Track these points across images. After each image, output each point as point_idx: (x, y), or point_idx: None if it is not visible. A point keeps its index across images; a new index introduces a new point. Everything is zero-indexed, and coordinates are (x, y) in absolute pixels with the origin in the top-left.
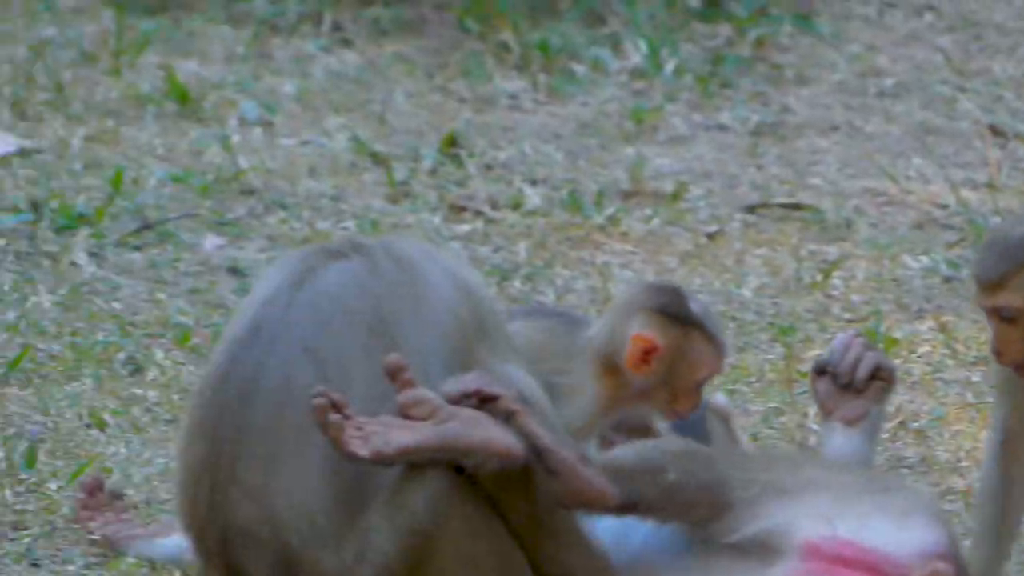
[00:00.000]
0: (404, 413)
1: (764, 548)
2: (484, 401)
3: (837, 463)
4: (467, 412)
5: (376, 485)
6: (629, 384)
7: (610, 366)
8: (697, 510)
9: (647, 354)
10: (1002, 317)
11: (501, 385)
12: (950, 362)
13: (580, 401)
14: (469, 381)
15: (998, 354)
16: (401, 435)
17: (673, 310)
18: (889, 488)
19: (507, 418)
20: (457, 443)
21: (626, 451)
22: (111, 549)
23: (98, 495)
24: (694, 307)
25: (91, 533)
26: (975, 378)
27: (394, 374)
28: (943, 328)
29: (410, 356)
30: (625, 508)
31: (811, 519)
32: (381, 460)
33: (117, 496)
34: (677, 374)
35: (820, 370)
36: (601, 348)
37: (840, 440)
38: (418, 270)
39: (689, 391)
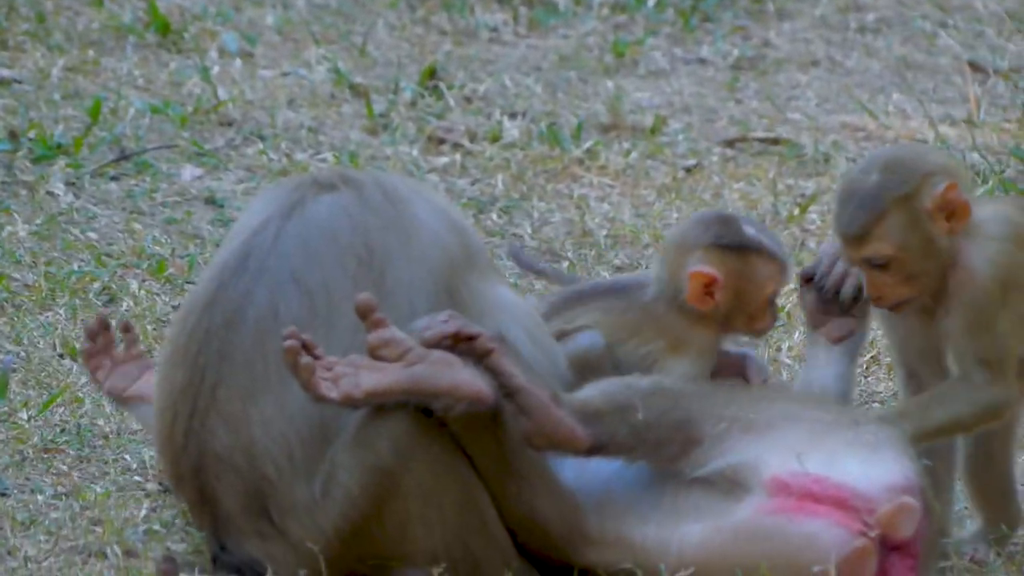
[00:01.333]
0: (373, 354)
1: (731, 482)
2: (461, 341)
3: (808, 396)
4: (437, 354)
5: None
6: (709, 319)
7: (683, 310)
8: (667, 448)
9: (708, 287)
10: (873, 265)
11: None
12: None
13: (682, 357)
14: (445, 322)
15: (876, 299)
16: (370, 377)
17: (725, 240)
18: (858, 423)
19: (483, 356)
20: (426, 385)
21: (595, 391)
22: (118, 406)
23: (105, 336)
24: (747, 230)
25: (99, 384)
26: None
27: (364, 313)
28: None
29: (398, 289)
30: (595, 449)
31: (779, 455)
32: (350, 403)
33: (127, 328)
34: (745, 297)
35: (807, 278)
36: (667, 298)
37: (823, 357)
38: (407, 205)
39: (763, 308)
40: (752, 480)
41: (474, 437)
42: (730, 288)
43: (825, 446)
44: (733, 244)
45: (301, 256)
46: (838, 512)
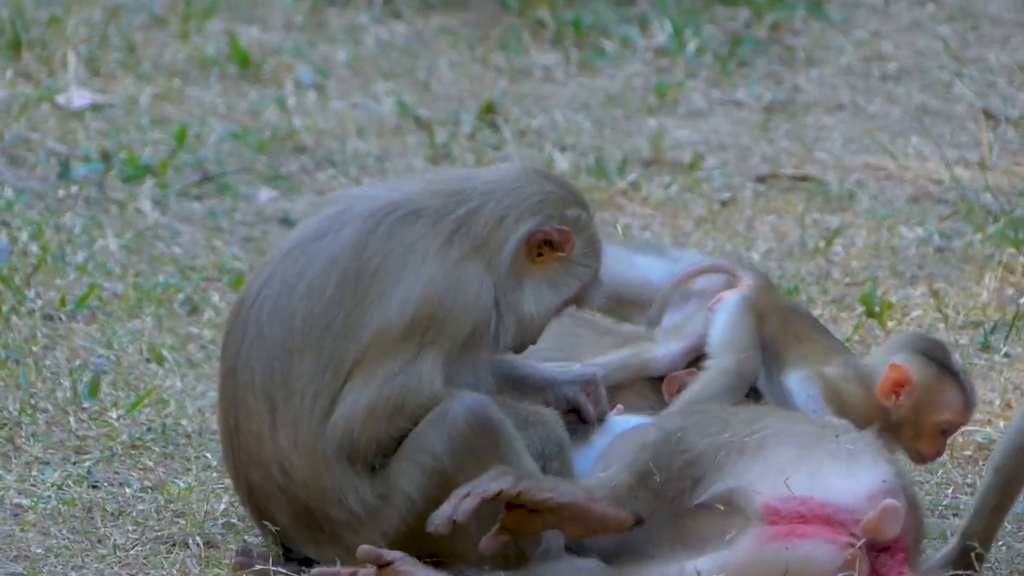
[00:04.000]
0: None
1: (728, 508)
2: (489, 501)
3: (792, 413)
4: None
5: (367, 438)
6: (884, 412)
7: (867, 389)
8: (680, 493)
9: (899, 384)
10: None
11: (494, 478)
12: (940, 325)
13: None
14: (463, 503)
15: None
16: None
17: (934, 354)
18: (837, 433)
19: (516, 498)
20: None
21: (617, 470)
22: None
23: None
24: (955, 361)
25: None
26: (963, 340)
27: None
28: (935, 294)
29: (370, 320)
30: (637, 523)
31: (769, 479)
32: None
33: None
34: (922, 411)
35: None
36: (864, 372)
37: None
38: (399, 271)
39: (933, 433)
40: (747, 507)
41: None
42: (916, 397)
43: (809, 464)
44: (939, 361)
45: (279, 308)
46: (826, 529)
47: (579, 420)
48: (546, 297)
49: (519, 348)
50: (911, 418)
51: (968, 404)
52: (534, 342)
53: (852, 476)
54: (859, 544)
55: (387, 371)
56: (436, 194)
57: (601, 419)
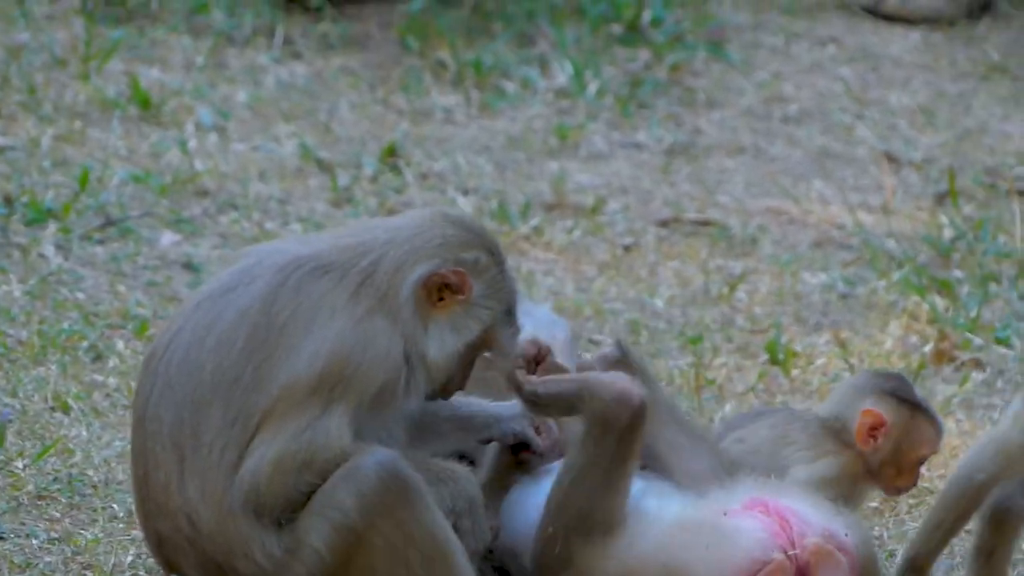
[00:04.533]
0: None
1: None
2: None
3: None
4: None
5: (274, 492)
6: (861, 460)
7: (841, 443)
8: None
9: (874, 429)
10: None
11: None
12: (846, 374)
13: (817, 464)
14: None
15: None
16: None
17: (901, 393)
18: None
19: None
20: None
21: None
22: None
23: None
24: (918, 393)
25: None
26: None
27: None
28: (841, 343)
29: (279, 374)
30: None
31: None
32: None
33: None
34: (901, 450)
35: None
36: (833, 426)
37: None
38: (308, 326)
39: (912, 468)
40: (739, 495)
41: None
42: (892, 438)
43: (792, 492)
44: (908, 399)
45: (188, 360)
46: (773, 524)
47: (530, 453)
48: (448, 342)
49: (434, 396)
50: (890, 458)
51: (940, 433)
52: (448, 390)
53: (823, 512)
54: (790, 553)
55: (295, 426)
56: (343, 248)
57: (552, 448)
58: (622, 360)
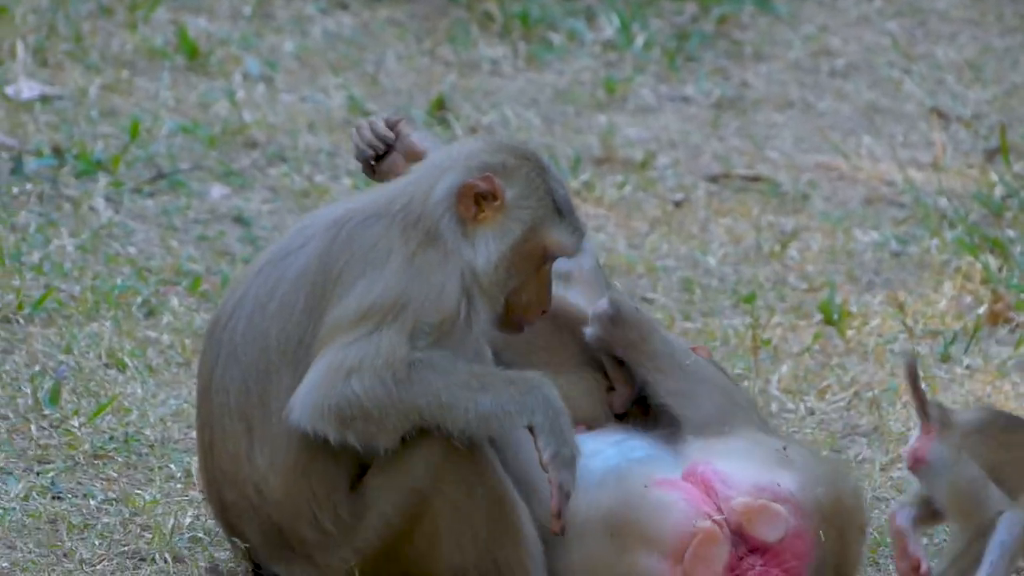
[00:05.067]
0: None
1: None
2: None
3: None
4: None
5: (336, 461)
6: None
7: None
8: None
9: None
10: None
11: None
12: (902, 336)
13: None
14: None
15: None
16: None
17: None
18: (786, 445)
19: None
20: None
21: None
22: None
23: None
24: None
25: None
26: (922, 350)
27: None
28: (899, 306)
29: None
30: None
31: (703, 452)
32: None
33: None
34: None
35: None
36: None
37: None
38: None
39: None
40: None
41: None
42: None
43: (743, 449)
44: None
45: (252, 328)
46: (696, 493)
47: None
48: (492, 249)
49: (515, 324)
50: None
51: None
52: (525, 312)
53: (757, 466)
54: (717, 518)
55: (341, 342)
56: (388, 195)
57: None
58: (616, 318)
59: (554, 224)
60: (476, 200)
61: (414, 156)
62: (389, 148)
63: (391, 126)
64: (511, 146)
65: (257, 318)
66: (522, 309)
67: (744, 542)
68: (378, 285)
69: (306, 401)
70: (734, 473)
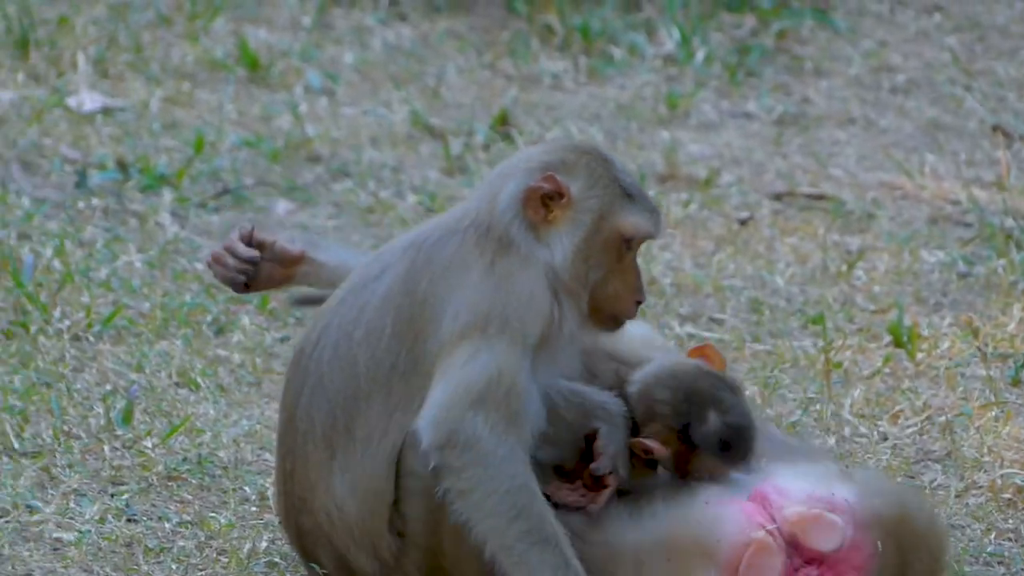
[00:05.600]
0: None
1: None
2: None
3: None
4: None
5: (444, 437)
6: None
7: None
8: None
9: None
10: None
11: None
12: (972, 358)
13: None
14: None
15: None
16: None
17: None
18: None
19: None
20: None
21: None
22: None
23: None
24: None
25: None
26: (995, 374)
27: None
28: (973, 331)
29: (431, 346)
30: None
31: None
32: None
33: None
34: None
35: None
36: None
37: None
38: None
39: None
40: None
41: None
42: None
43: (807, 464)
44: None
45: (339, 356)
46: (752, 505)
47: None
48: (566, 243)
49: (609, 323)
50: None
51: None
52: (614, 309)
53: (814, 477)
54: (770, 528)
55: (454, 361)
56: (459, 211)
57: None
58: None
59: (625, 208)
60: (543, 202)
61: (290, 260)
62: (256, 265)
63: (248, 242)
64: (569, 143)
65: (343, 346)
66: (613, 302)
67: (799, 553)
68: (465, 301)
69: (433, 429)
70: (789, 484)
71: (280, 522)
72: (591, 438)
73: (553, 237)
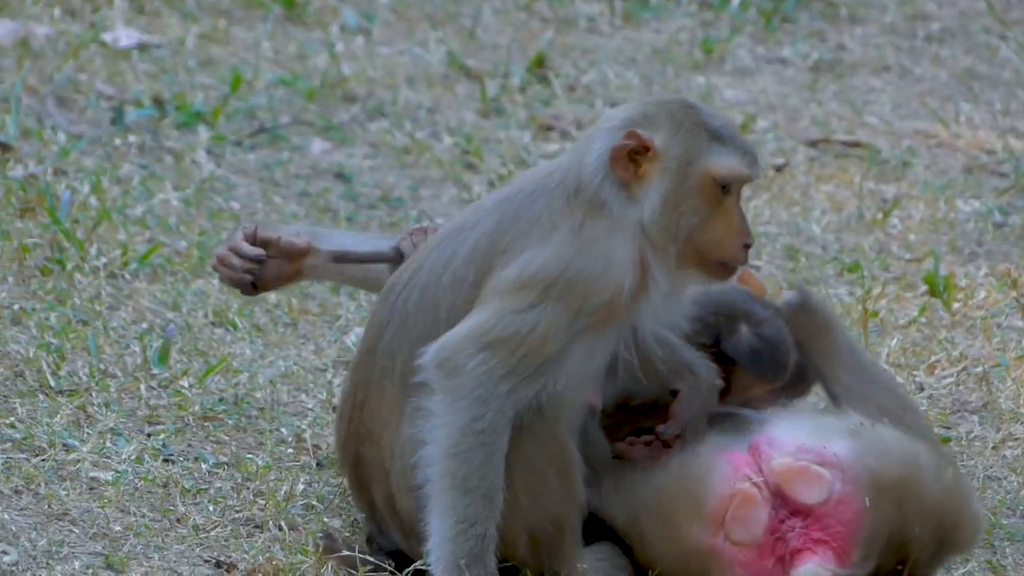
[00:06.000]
0: None
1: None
2: None
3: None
4: None
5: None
6: None
7: None
8: None
9: None
10: None
11: None
12: (1008, 309)
13: None
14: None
15: None
16: None
17: None
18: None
19: None
20: None
21: None
22: None
23: None
24: None
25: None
26: None
27: None
28: (1013, 283)
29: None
30: None
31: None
32: None
33: None
34: None
35: None
36: None
37: None
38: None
39: None
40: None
41: None
42: None
43: (810, 418)
44: None
45: (425, 299)
46: (742, 456)
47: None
48: (654, 196)
49: (718, 272)
50: None
51: None
52: (717, 255)
53: (807, 431)
54: (757, 479)
55: (497, 308)
56: (549, 168)
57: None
58: (803, 306)
59: (714, 152)
60: (631, 158)
61: (297, 253)
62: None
63: (253, 240)
64: (651, 99)
65: (431, 289)
66: (718, 247)
67: (785, 504)
68: (543, 255)
69: (437, 350)
70: (783, 436)
71: (338, 446)
72: (674, 394)
73: (645, 193)
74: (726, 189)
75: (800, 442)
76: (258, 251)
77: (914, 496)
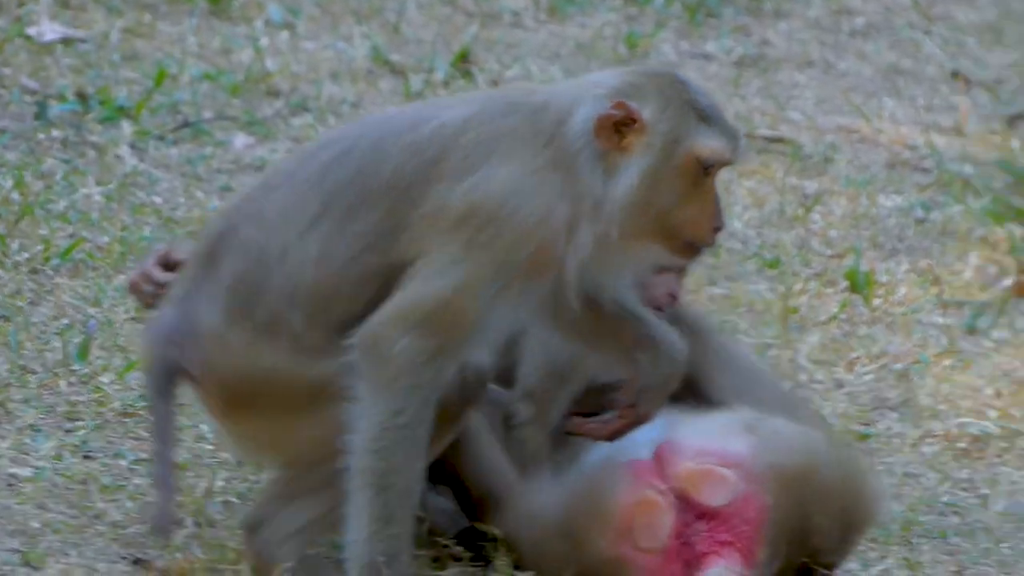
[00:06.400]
0: None
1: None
2: None
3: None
4: None
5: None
6: None
7: None
8: None
9: None
10: None
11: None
12: (928, 305)
13: None
14: None
15: None
16: None
17: None
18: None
19: None
20: None
21: None
22: None
23: None
24: None
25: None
26: (951, 322)
27: None
28: (934, 279)
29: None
30: None
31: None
32: None
33: None
34: None
35: None
36: None
37: None
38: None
39: None
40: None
41: None
42: None
43: (710, 420)
44: None
45: (378, 151)
46: (646, 465)
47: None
48: (633, 172)
49: (691, 250)
50: None
51: None
52: (693, 234)
53: (711, 434)
54: (660, 486)
55: (425, 271)
56: (526, 91)
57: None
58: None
59: (700, 132)
60: (616, 129)
61: None
62: None
63: (165, 263)
64: (640, 68)
65: (387, 144)
66: (690, 228)
67: (690, 509)
68: (486, 184)
69: (366, 332)
70: (685, 440)
71: None
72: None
73: (623, 167)
74: (707, 170)
75: (702, 445)
76: (169, 276)
77: (815, 485)
